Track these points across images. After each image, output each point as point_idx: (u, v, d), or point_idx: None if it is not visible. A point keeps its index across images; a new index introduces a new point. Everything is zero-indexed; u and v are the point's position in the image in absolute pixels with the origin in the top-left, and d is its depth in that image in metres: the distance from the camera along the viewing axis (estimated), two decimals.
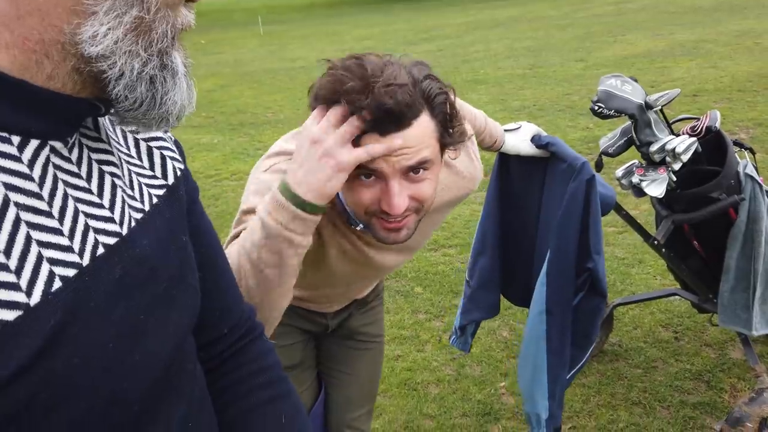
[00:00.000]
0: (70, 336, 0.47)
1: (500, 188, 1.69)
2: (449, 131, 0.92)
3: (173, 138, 0.70)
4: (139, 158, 0.63)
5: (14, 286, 0.44)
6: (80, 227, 0.51)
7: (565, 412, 2.12)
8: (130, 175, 0.60)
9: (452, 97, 0.92)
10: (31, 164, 0.48)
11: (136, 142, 0.64)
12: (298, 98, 8.18)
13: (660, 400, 2.15)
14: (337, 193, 1.00)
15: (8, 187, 0.46)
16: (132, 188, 0.59)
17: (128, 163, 0.61)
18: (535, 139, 1.51)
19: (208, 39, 14.24)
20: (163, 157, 0.66)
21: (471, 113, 1.37)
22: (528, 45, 10.03)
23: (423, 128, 0.88)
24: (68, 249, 0.49)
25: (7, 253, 0.44)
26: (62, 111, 0.50)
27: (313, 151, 0.85)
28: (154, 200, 0.60)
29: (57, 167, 0.50)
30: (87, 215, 0.52)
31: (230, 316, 0.75)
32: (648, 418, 2.07)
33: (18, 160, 0.47)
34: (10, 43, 0.46)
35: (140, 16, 0.49)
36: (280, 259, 0.87)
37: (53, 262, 0.47)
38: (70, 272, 0.48)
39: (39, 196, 0.48)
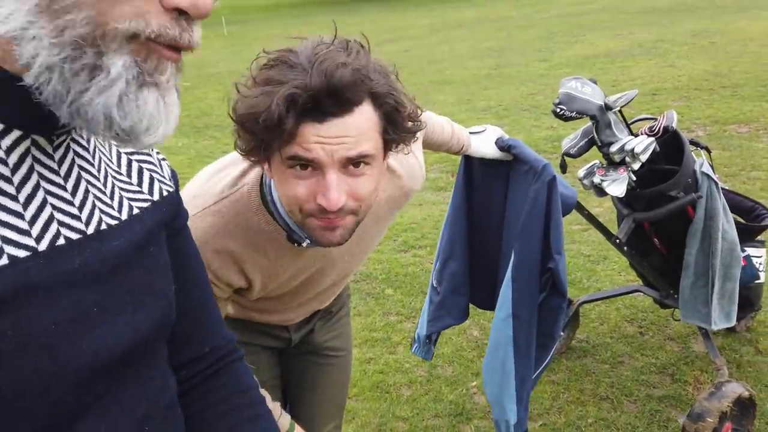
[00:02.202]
0: (8, 307, 0.49)
1: (465, 191, 1.70)
2: (394, 127, 0.87)
3: (170, 168, 0.72)
4: (128, 175, 0.66)
5: None
6: (44, 216, 0.53)
7: (535, 410, 2.15)
8: (112, 187, 0.62)
9: (400, 94, 0.87)
10: (9, 151, 0.50)
11: (129, 162, 0.67)
12: None
13: (627, 394, 2.20)
14: (279, 212, 0.96)
15: None
16: (112, 198, 0.61)
17: (114, 177, 0.63)
18: (498, 142, 1.52)
19: None
20: (151, 178, 0.68)
21: (438, 123, 1.37)
22: (492, 45, 10.15)
23: (365, 118, 0.83)
24: (25, 233, 0.51)
25: None
26: (29, 103, 0.49)
27: None
28: (135, 211, 0.63)
29: (36, 160, 0.53)
30: (54, 207, 0.54)
31: (212, 336, 0.78)
32: (616, 412, 2.11)
33: None
34: None
35: None
36: None
37: (5, 240, 0.50)
38: (22, 253, 0.50)
39: (7, 180, 0.51)
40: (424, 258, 3.38)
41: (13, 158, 0.51)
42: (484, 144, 1.53)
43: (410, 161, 1.13)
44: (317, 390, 1.43)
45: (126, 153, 0.67)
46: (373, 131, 0.84)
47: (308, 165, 0.83)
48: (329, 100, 0.79)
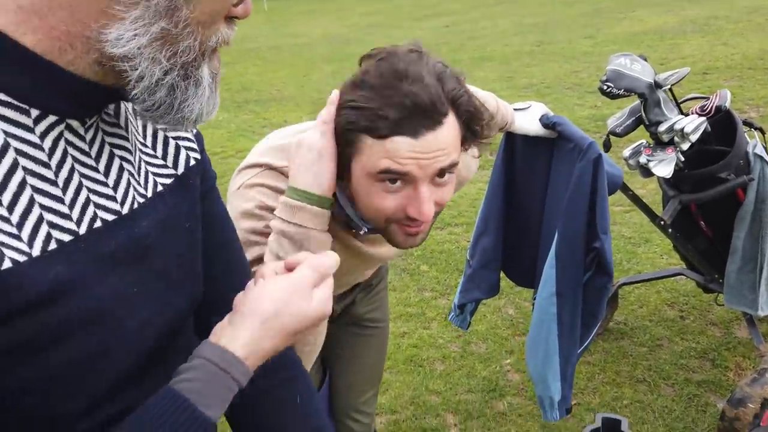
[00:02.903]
0: (69, 291, 0.51)
1: (506, 168, 1.68)
2: (472, 133, 0.89)
3: (196, 129, 0.71)
4: (153, 147, 0.66)
5: (17, 237, 0.49)
6: (81, 199, 0.54)
7: None
8: (139, 162, 0.63)
9: (474, 99, 0.88)
10: (43, 136, 0.52)
11: (155, 131, 0.67)
12: (302, 75, 8.13)
13: (664, 378, 2.17)
14: (337, 199, 0.97)
15: (19, 152, 0.50)
16: (139, 174, 0.62)
17: (141, 151, 0.64)
18: (543, 119, 1.50)
19: None
20: (177, 147, 0.68)
21: (483, 98, 1.36)
22: (535, 21, 9.90)
23: (452, 128, 0.84)
24: (67, 216, 0.53)
25: (10, 209, 0.49)
26: (80, 93, 0.53)
27: (311, 156, 0.87)
28: (159, 188, 0.63)
29: (69, 143, 0.54)
30: (90, 190, 0.55)
31: None
32: (652, 395, 2.09)
33: (31, 130, 0.51)
34: (37, 28, 0.49)
35: (167, 29, 0.51)
36: None
37: (52, 225, 0.51)
38: (66, 237, 0.52)
39: (47, 165, 0.52)
40: (460, 236, 3.38)
41: (47, 143, 0.52)
42: (528, 121, 1.51)
43: (470, 160, 1.15)
44: (357, 359, 1.47)
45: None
46: (457, 140, 0.86)
47: (398, 179, 0.84)
48: (422, 114, 0.80)
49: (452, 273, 3.01)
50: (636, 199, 1.97)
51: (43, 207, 0.51)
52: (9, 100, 0.50)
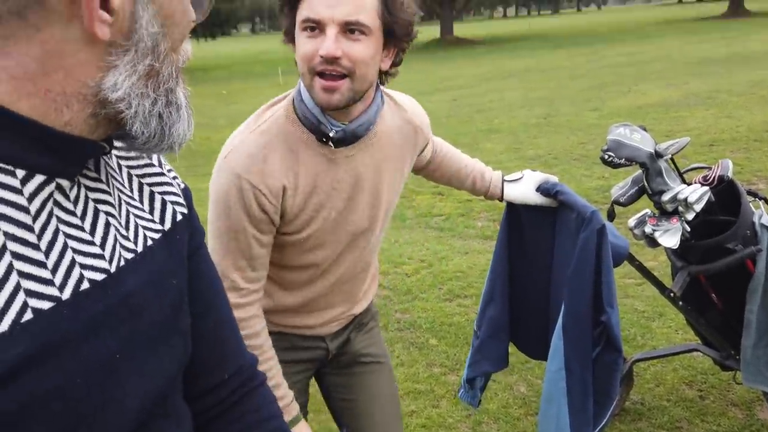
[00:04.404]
0: (35, 366, 0.48)
1: (510, 237, 1.67)
2: (389, 12, 1.05)
3: (182, 184, 0.71)
4: (141, 201, 0.65)
5: None
6: (66, 262, 0.52)
7: None
8: (127, 215, 0.61)
9: None
10: (31, 198, 0.50)
11: (140, 185, 0.66)
12: None
13: None
14: (307, 106, 1.13)
15: (1, 216, 0.48)
16: (127, 228, 0.60)
17: (128, 204, 0.63)
18: (543, 188, 1.50)
19: (229, 90, 14.67)
20: (163, 202, 0.67)
21: (449, 146, 1.51)
22: (541, 95, 10.16)
23: None
24: (48, 282, 0.50)
25: None
26: (72, 150, 0.53)
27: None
28: (149, 242, 0.62)
29: (57, 203, 0.53)
30: (75, 251, 0.54)
31: (231, 362, 0.75)
32: None
33: (18, 192, 0.49)
34: (32, 93, 0.49)
35: (152, 64, 0.54)
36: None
37: (30, 293, 0.49)
38: (46, 305, 0.49)
39: (30, 228, 0.50)
40: (470, 308, 3.31)
41: (35, 205, 0.50)
42: (523, 190, 1.51)
43: (413, 101, 1.33)
44: (373, 399, 1.41)
45: (137, 176, 0.66)
46: (371, 8, 1.04)
47: (315, 27, 1.04)
48: None
49: (462, 347, 2.93)
50: (643, 270, 1.93)
51: (21, 274, 0.48)
52: None
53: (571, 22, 40.72)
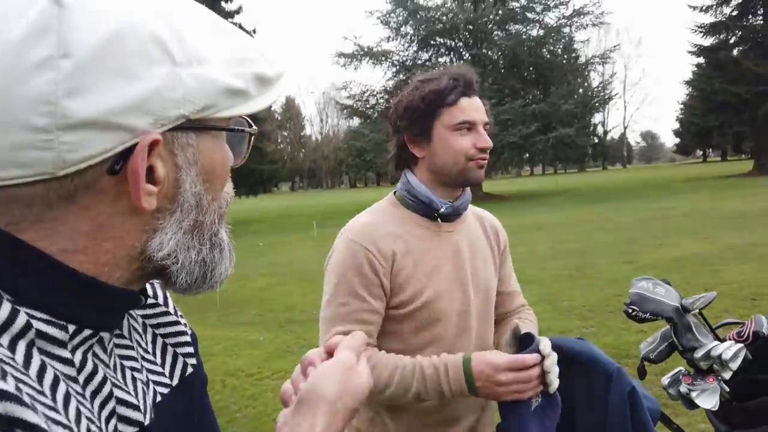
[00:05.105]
0: None
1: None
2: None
3: (191, 330, 0.72)
4: (153, 353, 0.66)
5: None
6: (105, 413, 0.53)
7: None
8: (141, 369, 0.62)
9: None
10: (74, 350, 0.52)
11: (154, 337, 0.67)
12: None
13: None
14: (418, 190, 1.37)
15: (54, 368, 0.50)
16: (147, 385, 0.61)
17: (143, 359, 0.64)
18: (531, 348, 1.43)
19: (266, 242, 15.19)
20: (174, 355, 0.68)
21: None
22: (572, 247, 10.19)
23: None
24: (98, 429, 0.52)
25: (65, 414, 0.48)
26: (117, 303, 0.55)
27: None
28: (158, 398, 0.62)
29: (95, 355, 0.54)
30: (118, 400, 0.55)
31: None
32: None
33: (63, 345, 0.51)
34: (84, 262, 0.51)
35: (195, 218, 0.55)
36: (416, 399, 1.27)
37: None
38: None
39: (75, 380, 0.51)
40: None
41: (77, 356, 0.52)
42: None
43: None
44: None
45: (152, 326, 0.67)
46: None
47: (467, 127, 1.34)
48: (470, 84, 1.35)
49: None
50: None
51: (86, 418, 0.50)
52: (50, 318, 0.50)
53: (597, 179, 41.94)
